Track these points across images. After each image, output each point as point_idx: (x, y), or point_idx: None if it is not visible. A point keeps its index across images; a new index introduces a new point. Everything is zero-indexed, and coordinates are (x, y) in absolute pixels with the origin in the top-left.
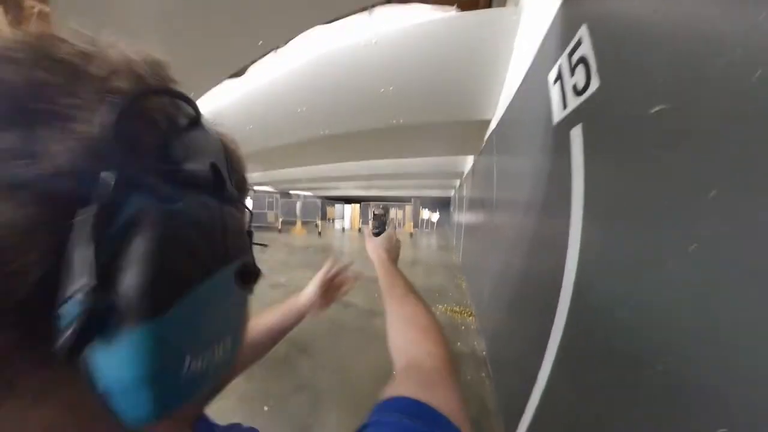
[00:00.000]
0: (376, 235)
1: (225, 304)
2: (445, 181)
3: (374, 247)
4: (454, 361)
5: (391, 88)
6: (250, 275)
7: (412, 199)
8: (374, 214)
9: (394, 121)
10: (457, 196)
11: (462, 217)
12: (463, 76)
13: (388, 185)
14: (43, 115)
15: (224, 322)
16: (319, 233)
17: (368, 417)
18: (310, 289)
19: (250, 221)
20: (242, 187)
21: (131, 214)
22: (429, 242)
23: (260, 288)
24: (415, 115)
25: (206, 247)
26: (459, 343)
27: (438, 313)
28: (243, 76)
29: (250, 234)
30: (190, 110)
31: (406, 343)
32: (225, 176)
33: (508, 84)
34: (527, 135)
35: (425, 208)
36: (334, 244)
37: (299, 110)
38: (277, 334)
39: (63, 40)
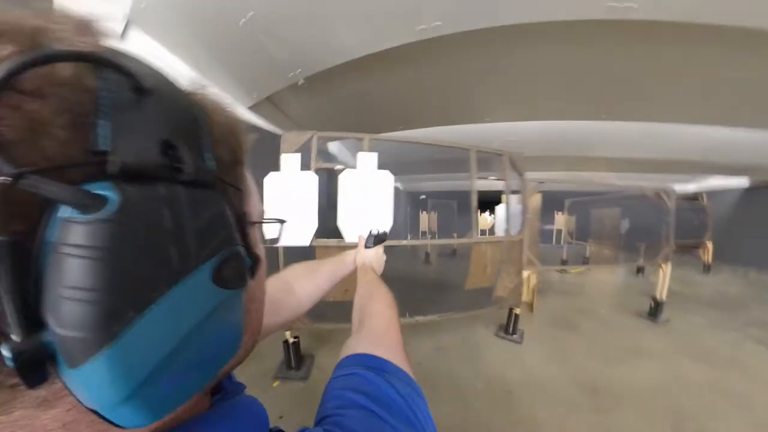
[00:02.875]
0: (368, 248)
1: (203, 307)
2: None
3: (363, 256)
4: (396, 318)
5: None
6: (235, 270)
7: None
8: (374, 235)
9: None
10: None
11: None
12: None
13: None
14: None
15: (211, 323)
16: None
17: (334, 371)
18: (354, 253)
19: (240, 200)
20: (232, 160)
21: (48, 234)
22: None
23: None
24: None
25: (157, 256)
26: None
27: None
28: None
29: (241, 216)
30: (125, 77)
31: (361, 309)
32: (184, 154)
33: None
34: None
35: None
36: None
37: None
38: (331, 282)
39: None
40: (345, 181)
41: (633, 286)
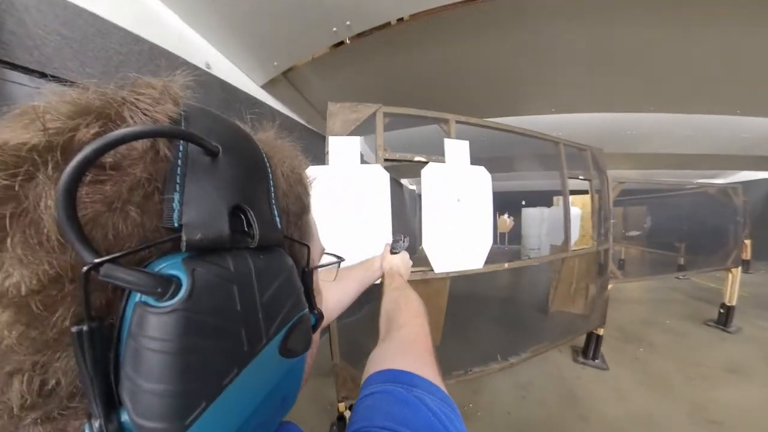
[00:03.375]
0: (394, 253)
1: (270, 380)
2: None
3: (389, 261)
4: (425, 328)
5: None
6: (301, 337)
7: None
8: (396, 240)
9: None
10: None
11: None
12: None
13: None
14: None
15: (277, 389)
16: None
17: (362, 389)
18: (381, 258)
19: (306, 254)
20: (299, 210)
21: (126, 320)
22: None
23: None
24: None
25: (227, 343)
26: None
27: None
28: None
29: (307, 273)
30: (184, 149)
31: (388, 316)
32: (252, 218)
33: None
34: None
35: None
36: None
37: None
38: (359, 289)
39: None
40: (431, 180)
41: (679, 289)
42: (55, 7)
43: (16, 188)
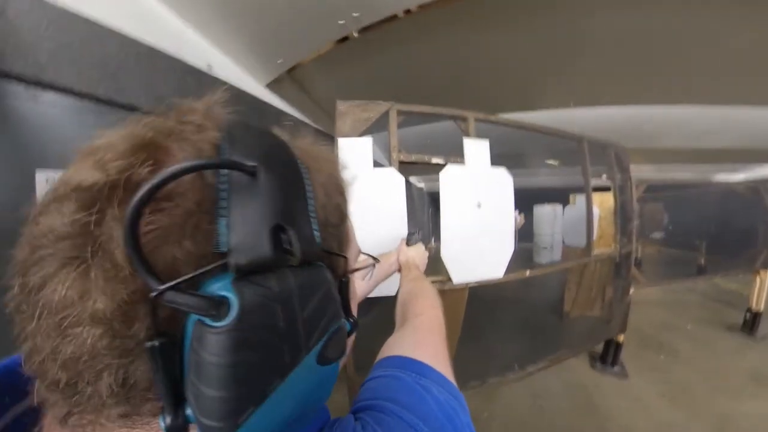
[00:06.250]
0: (409, 246)
1: (309, 385)
2: None
3: (405, 254)
4: (439, 319)
5: None
6: (338, 345)
7: None
8: (411, 233)
9: None
10: None
11: None
12: None
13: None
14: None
15: (315, 392)
16: None
17: (372, 371)
18: (397, 252)
19: (344, 264)
20: (338, 220)
21: (186, 335)
22: None
23: None
24: None
25: (273, 356)
26: None
27: None
28: None
29: (345, 283)
30: (227, 175)
31: (404, 306)
32: (293, 235)
33: None
34: None
35: None
36: None
37: None
38: (375, 283)
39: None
40: (449, 184)
41: (696, 290)
42: (48, 11)
43: (92, 226)
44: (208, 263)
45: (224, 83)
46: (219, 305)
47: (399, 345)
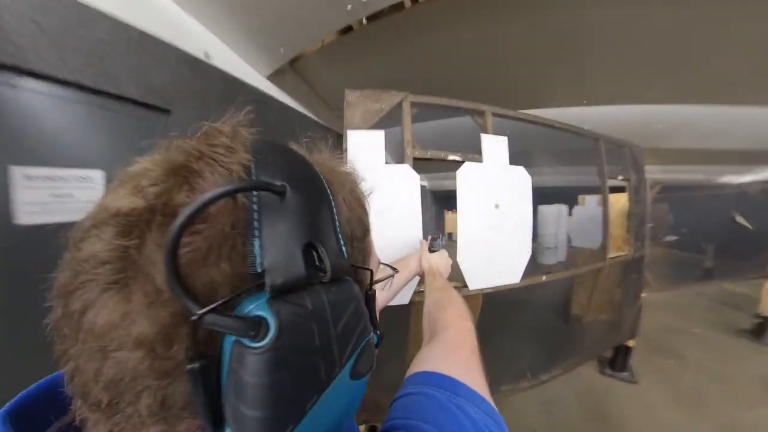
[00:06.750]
0: (432, 251)
1: (343, 399)
2: None
3: (428, 260)
4: (471, 332)
5: None
6: (368, 359)
7: None
8: (434, 238)
9: None
10: None
11: None
12: None
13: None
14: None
15: (348, 405)
16: None
17: (402, 387)
18: (418, 257)
19: (370, 277)
20: (362, 233)
21: (224, 356)
22: None
23: None
24: None
25: (310, 374)
26: None
27: None
28: None
29: (371, 296)
30: (257, 197)
31: (432, 318)
32: (323, 252)
33: None
34: None
35: None
36: None
37: None
38: (396, 289)
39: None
40: (467, 183)
41: (703, 293)
42: None
43: (132, 251)
44: (244, 284)
45: (223, 73)
46: (257, 326)
47: (430, 360)
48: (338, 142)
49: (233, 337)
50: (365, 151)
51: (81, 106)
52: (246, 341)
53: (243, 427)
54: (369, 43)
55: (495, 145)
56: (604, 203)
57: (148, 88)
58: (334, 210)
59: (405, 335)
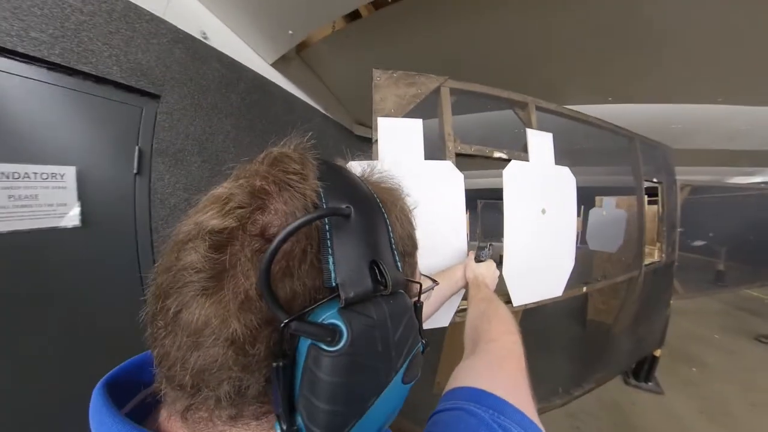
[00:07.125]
0: (478, 262)
1: (395, 401)
2: None
3: (473, 270)
4: (518, 345)
5: None
6: (417, 365)
7: None
8: (481, 247)
9: None
10: None
11: None
12: None
13: None
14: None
15: (397, 408)
16: None
17: (441, 401)
18: (464, 267)
19: (418, 289)
20: (412, 248)
21: (300, 356)
22: None
23: None
24: None
25: (373, 375)
26: None
27: None
28: None
29: (419, 307)
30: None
31: (475, 330)
32: (384, 268)
33: None
34: None
35: None
36: None
37: None
38: (441, 301)
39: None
40: (514, 185)
41: (718, 297)
42: None
43: (226, 264)
44: (320, 295)
45: (222, 56)
46: (333, 333)
47: (472, 375)
48: (344, 135)
49: (309, 341)
50: (400, 143)
51: (48, 88)
52: (322, 345)
53: (314, 418)
54: (374, 32)
55: (541, 142)
56: (640, 206)
57: (133, 69)
58: (390, 228)
59: (435, 359)
